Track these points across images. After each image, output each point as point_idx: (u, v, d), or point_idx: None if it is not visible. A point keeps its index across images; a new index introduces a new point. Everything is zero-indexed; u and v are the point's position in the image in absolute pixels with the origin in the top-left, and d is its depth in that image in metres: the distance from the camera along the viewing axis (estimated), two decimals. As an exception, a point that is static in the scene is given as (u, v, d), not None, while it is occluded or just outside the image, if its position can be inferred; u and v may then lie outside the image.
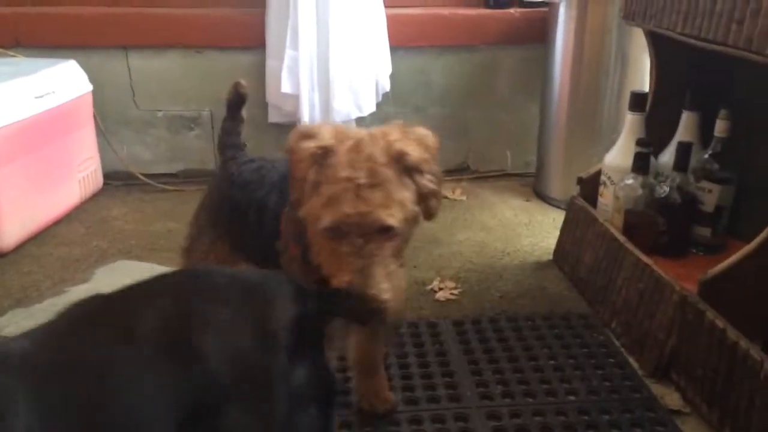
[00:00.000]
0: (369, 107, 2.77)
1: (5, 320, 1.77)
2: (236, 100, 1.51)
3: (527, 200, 2.78)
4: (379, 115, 2.86)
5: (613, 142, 2.06)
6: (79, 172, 2.59)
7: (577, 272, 2.04)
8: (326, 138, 1.06)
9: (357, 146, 1.05)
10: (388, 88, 2.83)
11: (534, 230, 2.49)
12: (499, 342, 1.74)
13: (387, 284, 1.01)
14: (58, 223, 2.47)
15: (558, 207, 2.67)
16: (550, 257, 2.24)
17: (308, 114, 2.70)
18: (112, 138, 2.83)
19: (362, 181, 1.01)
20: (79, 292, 1.82)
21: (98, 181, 2.74)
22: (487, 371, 1.62)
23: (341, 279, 1.02)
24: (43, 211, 2.39)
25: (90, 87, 2.65)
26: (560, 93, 2.63)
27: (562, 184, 2.68)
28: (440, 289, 2.02)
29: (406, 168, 1.04)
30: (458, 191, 2.81)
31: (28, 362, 0.77)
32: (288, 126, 2.77)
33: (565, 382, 1.58)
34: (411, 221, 1.07)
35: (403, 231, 1.05)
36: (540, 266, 2.19)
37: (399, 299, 1.04)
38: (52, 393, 0.75)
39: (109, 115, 2.83)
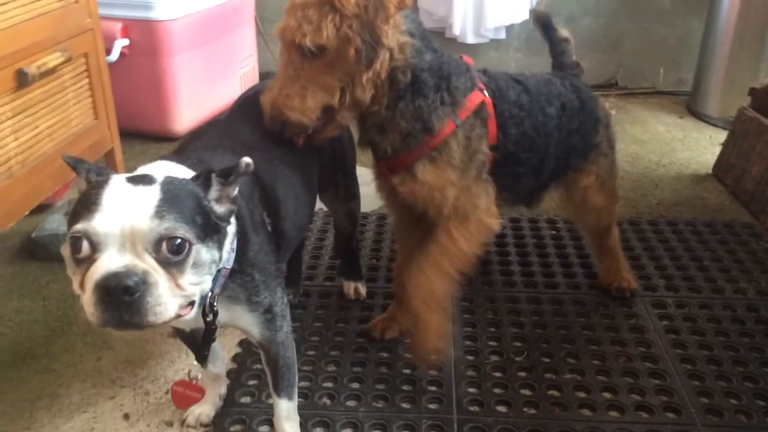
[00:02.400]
0: (522, 14, 2.73)
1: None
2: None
3: (680, 117, 2.68)
4: (530, 24, 2.81)
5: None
6: (241, 68, 2.74)
7: (741, 184, 1.98)
8: None
9: None
10: (542, -5, 2.77)
11: (690, 145, 2.41)
12: (660, 242, 1.74)
13: (297, 103, 1.05)
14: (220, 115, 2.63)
15: (715, 125, 2.56)
16: (709, 171, 2.17)
17: (460, 19, 2.70)
18: (268, 39, 2.96)
19: (296, 2, 1.03)
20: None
21: (256, 79, 2.89)
22: (649, 267, 1.63)
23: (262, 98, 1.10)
24: (210, 102, 2.56)
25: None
26: (730, 4, 2.48)
27: (721, 102, 2.56)
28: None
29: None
30: (606, 105, 2.74)
31: None
32: (437, 32, 2.79)
33: (732, 282, 1.57)
34: (335, 53, 1.03)
35: (324, 58, 1.03)
36: (698, 178, 2.14)
37: (305, 118, 1.06)
38: None
39: (266, 17, 2.95)
